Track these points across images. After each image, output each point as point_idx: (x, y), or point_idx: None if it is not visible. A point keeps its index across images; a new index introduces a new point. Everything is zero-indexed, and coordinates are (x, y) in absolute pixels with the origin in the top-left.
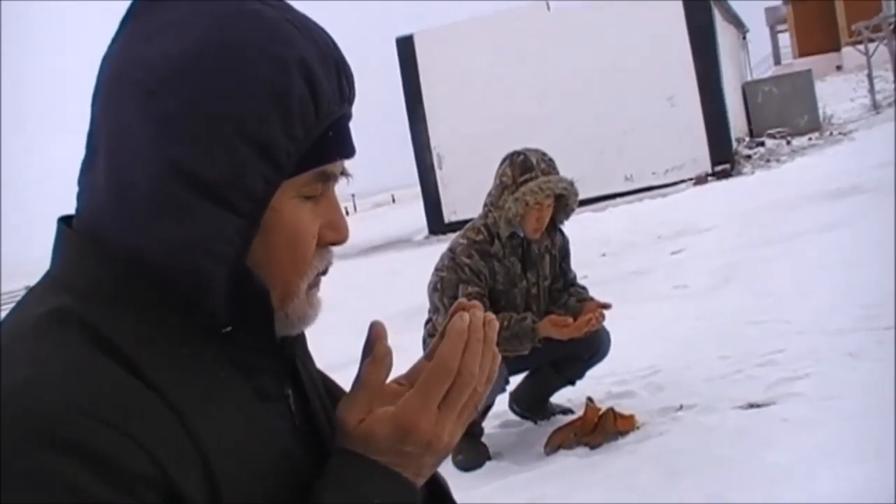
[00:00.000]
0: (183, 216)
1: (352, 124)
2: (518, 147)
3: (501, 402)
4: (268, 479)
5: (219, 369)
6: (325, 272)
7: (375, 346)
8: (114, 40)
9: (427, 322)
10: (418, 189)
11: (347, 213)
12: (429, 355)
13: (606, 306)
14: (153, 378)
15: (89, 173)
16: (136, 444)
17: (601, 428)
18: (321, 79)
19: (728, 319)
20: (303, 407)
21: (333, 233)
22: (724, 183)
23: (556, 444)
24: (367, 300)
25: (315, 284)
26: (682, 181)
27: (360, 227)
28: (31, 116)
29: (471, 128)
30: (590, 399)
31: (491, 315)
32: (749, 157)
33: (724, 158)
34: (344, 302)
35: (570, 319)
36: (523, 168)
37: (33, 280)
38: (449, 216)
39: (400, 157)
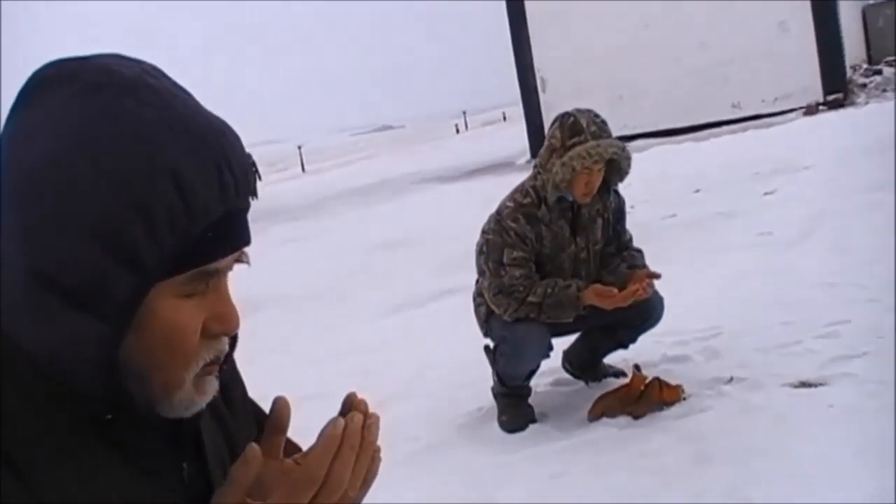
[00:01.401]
0: (49, 321)
1: (464, 42)
2: (622, 72)
3: (556, 359)
4: None
5: (100, 456)
6: (216, 361)
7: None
8: (7, 120)
9: (477, 281)
10: None
11: (458, 130)
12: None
13: (655, 276)
14: (24, 470)
15: None
16: None
17: (646, 398)
18: (194, 183)
19: (802, 278)
20: (203, 477)
21: (220, 325)
22: (834, 114)
23: (599, 411)
24: (458, 229)
25: (208, 373)
26: (792, 110)
27: (465, 148)
28: None
29: (575, 52)
30: (637, 367)
31: (373, 418)
32: (864, 86)
33: (837, 87)
34: (435, 230)
35: (615, 290)
36: (572, 131)
37: None
38: None
39: (511, 75)
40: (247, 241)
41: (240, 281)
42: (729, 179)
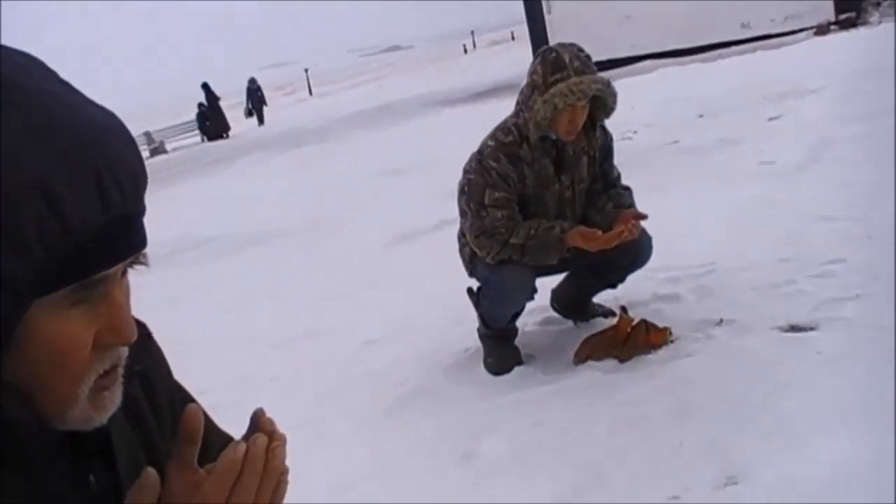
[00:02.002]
0: None
1: None
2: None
3: (544, 297)
4: None
5: None
6: (113, 370)
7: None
8: None
9: (461, 222)
10: None
11: (466, 50)
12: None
13: (642, 216)
14: None
15: None
16: None
17: (632, 341)
18: (66, 194)
19: (801, 211)
20: (115, 488)
21: (113, 336)
22: (846, 34)
23: (585, 355)
24: (462, 154)
25: (104, 386)
26: (802, 30)
27: (473, 69)
28: None
29: None
30: (623, 309)
31: (278, 440)
32: (878, 4)
33: (850, 6)
34: (439, 156)
35: (600, 232)
36: (555, 67)
37: None
38: None
39: None
40: (137, 247)
41: (243, 214)
42: (734, 104)
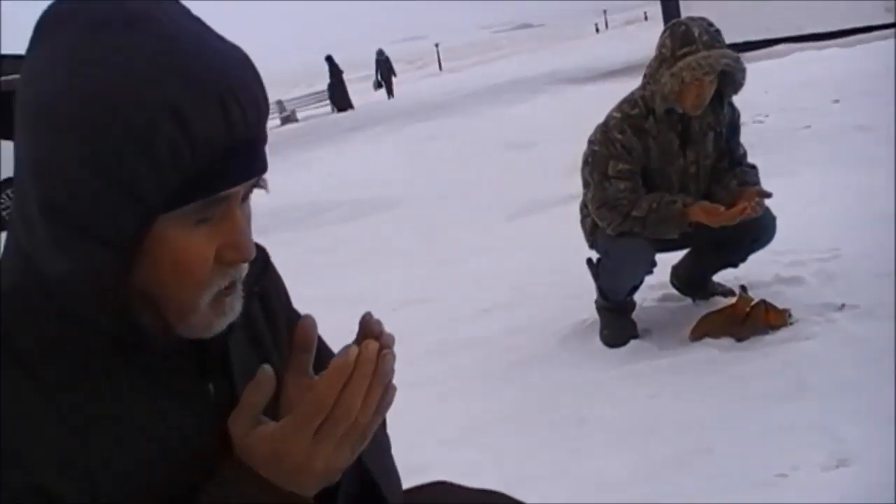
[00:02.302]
0: (61, 250)
1: None
2: None
3: (665, 273)
4: (157, 476)
5: (118, 375)
6: (232, 286)
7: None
8: (26, 54)
9: (584, 193)
10: None
11: (597, 30)
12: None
13: (766, 194)
14: (48, 385)
15: (14, 183)
16: (16, 460)
17: (751, 321)
18: (196, 118)
19: None
20: (231, 398)
21: (232, 253)
22: None
23: (702, 332)
24: (588, 131)
25: (225, 294)
26: None
27: (603, 48)
28: None
29: None
30: (743, 288)
31: (389, 343)
32: None
33: None
34: (566, 132)
35: (722, 208)
36: (683, 40)
37: None
38: None
39: None
40: (258, 172)
41: (369, 181)
42: (871, 89)
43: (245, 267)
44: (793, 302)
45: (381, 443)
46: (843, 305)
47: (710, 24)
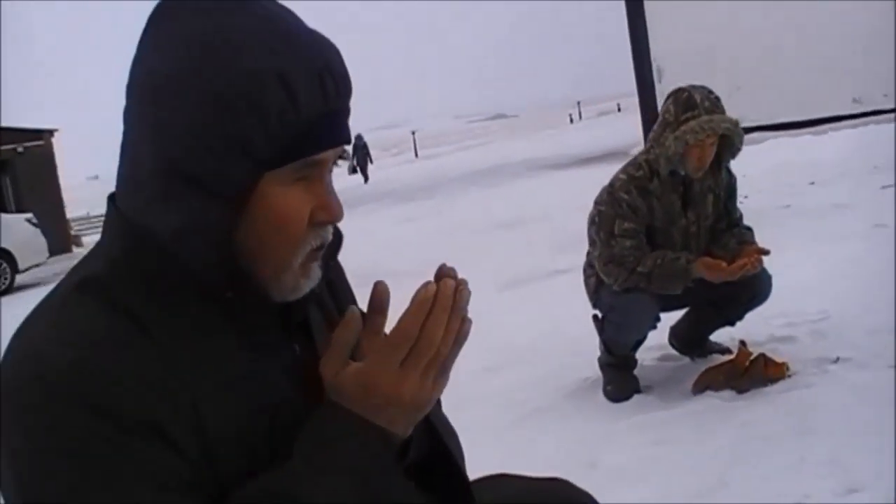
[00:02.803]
0: (175, 204)
1: (579, 33)
2: (739, 62)
3: (663, 335)
4: (257, 423)
5: (222, 328)
6: (321, 248)
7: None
8: (136, 49)
9: (588, 253)
10: None
11: (572, 120)
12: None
13: (765, 252)
14: (158, 336)
15: (120, 159)
16: (132, 394)
17: (750, 373)
18: (299, 84)
19: None
20: (312, 360)
21: (324, 213)
22: None
23: (704, 384)
24: (571, 211)
25: (312, 259)
26: None
27: (579, 136)
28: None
29: (693, 41)
30: (742, 343)
31: (464, 282)
32: None
33: None
34: (545, 216)
35: (724, 264)
36: (686, 105)
37: None
38: None
39: (627, 65)
40: (347, 140)
41: (354, 256)
42: (846, 172)
43: (330, 231)
44: (788, 357)
45: (443, 416)
46: (837, 359)
47: (711, 92)
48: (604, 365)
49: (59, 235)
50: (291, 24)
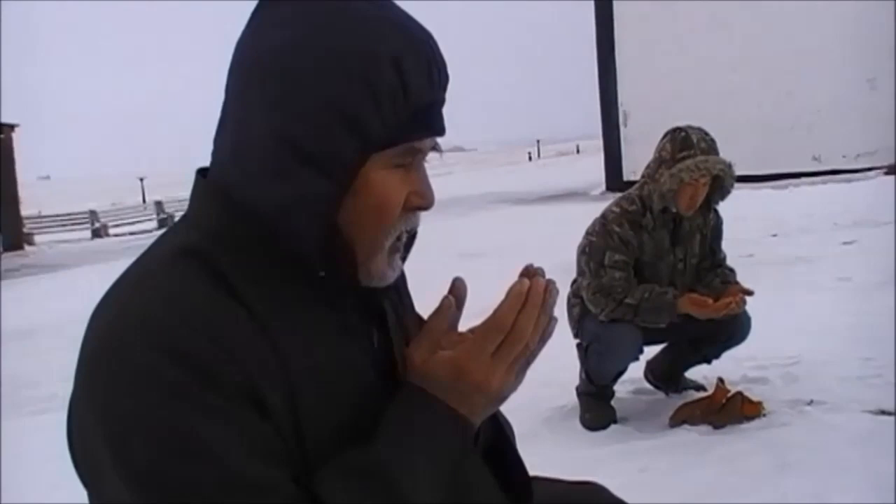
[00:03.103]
0: (286, 179)
1: (545, 73)
2: (704, 114)
3: (638, 369)
4: (343, 402)
5: (312, 306)
6: (412, 232)
7: (443, 299)
8: (245, 28)
9: (573, 282)
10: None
11: (530, 158)
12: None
13: (749, 293)
14: (254, 307)
15: (220, 135)
16: (233, 359)
17: (727, 410)
18: (411, 70)
19: (882, 321)
20: (386, 345)
21: (419, 198)
22: None
23: (681, 418)
24: (531, 249)
25: (397, 249)
26: (873, 168)
27: (540, 175)
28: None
29: (660, 90)
30: (720, 380)
31: (553, 282)
32: None
33: None
34: (508, 248)
35: (710, 300)
36: (683, 145)
37: None
38: (628, 175)
39: (588, 108)
40: (444, 131)
41: None
42: (807, 227)
43: (419, 219)
44: (762, 398)
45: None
46: (811, 401)
47: (706, 133)
48: (582, 394)
49: (13, 231)
50: (400, 12)
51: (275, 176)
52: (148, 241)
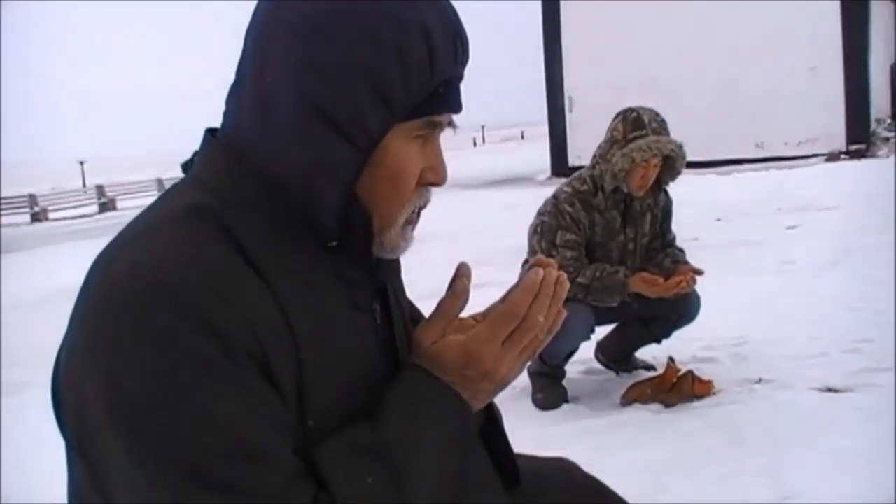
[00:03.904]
0: (311, 143)
1: (490, 59)
2: (650, 101)
3: (588, 349)
4: (347, 377)
5: (322, 276)
6: (423, 207)
7: (456, 282)
8: None
9: (524, 262)
10: (547, 129)
11: (475, 143)
12: (504, 299)
13: (699, 272)
14: (266, 273)
15: (236, 95)
16: (245, 321)
17: (678, 388)
18: (439, 43)
19: (826, 302)
20: (387, 323)
21: (433, 174)
22: (856, 163)
23: (632, 397)
24: (479, 233)
25: (411, 221)
26: (814, 155)
27: (486, 160)
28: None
29: (606, 76)
30: (671, 359)
31: (564, 275)
32: (887, 139)
33: (861, 138)
34: (457, 232)
35: (661, 279)
36: (635, 125)
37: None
38: (573, 160)
39: (533, 95)
40: (461, 106)
41: None
42: (751, 212)
43: (431, 194)
44: (713, 377)
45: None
46: (760, 380)
47: (658, 114)
48: (533, 374)
49: None
50: None
51: (299, 139)
52: (89, 225)
